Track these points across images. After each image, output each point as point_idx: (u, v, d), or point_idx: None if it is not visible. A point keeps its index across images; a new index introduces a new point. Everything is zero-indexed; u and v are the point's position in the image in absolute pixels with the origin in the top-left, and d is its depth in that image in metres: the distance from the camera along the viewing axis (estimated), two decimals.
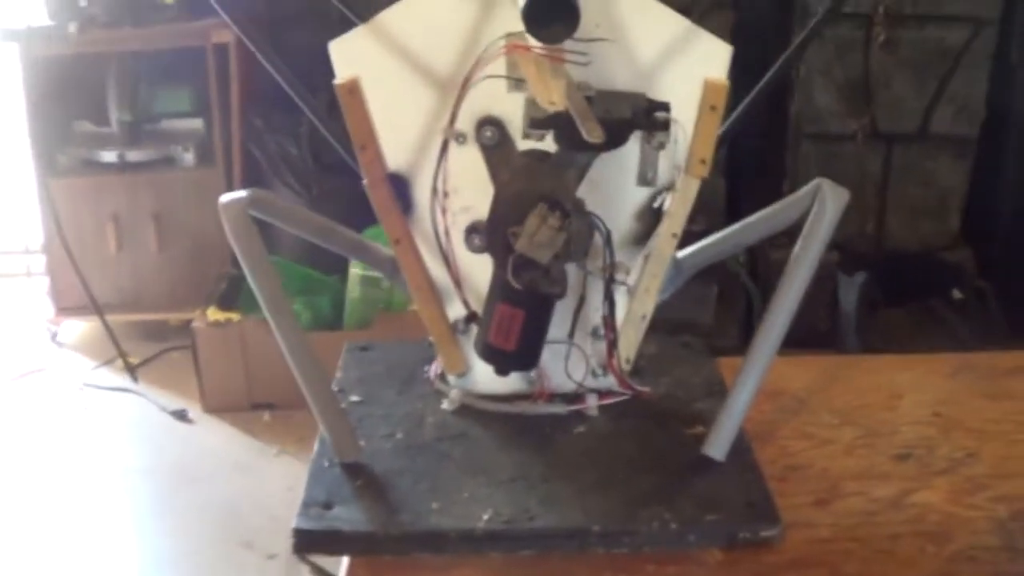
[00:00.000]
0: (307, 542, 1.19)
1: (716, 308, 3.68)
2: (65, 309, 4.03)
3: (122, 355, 3.47)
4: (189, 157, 3.97)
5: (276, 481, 3.32)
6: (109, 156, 3.92)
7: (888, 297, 3.61)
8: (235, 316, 3.62)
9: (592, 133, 1.10)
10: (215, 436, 3.59)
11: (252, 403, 3.67)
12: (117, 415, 3.66)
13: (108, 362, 3.94)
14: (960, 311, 3.53)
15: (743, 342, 3.71)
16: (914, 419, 1.43)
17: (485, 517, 1.19)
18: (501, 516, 1.20)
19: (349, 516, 1.20)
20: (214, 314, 3.64)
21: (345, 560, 1.19)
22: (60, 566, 2.95)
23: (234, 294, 3.73)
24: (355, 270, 3.65)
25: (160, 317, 4.09)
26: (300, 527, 1.19)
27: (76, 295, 3.92)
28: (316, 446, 1.32)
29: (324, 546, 1.19)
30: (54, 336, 4.09)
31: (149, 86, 4.01)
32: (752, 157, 3.98)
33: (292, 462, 3.40)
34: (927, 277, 3.65)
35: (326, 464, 1.29)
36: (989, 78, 3.79)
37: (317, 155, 3.89)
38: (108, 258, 3.97)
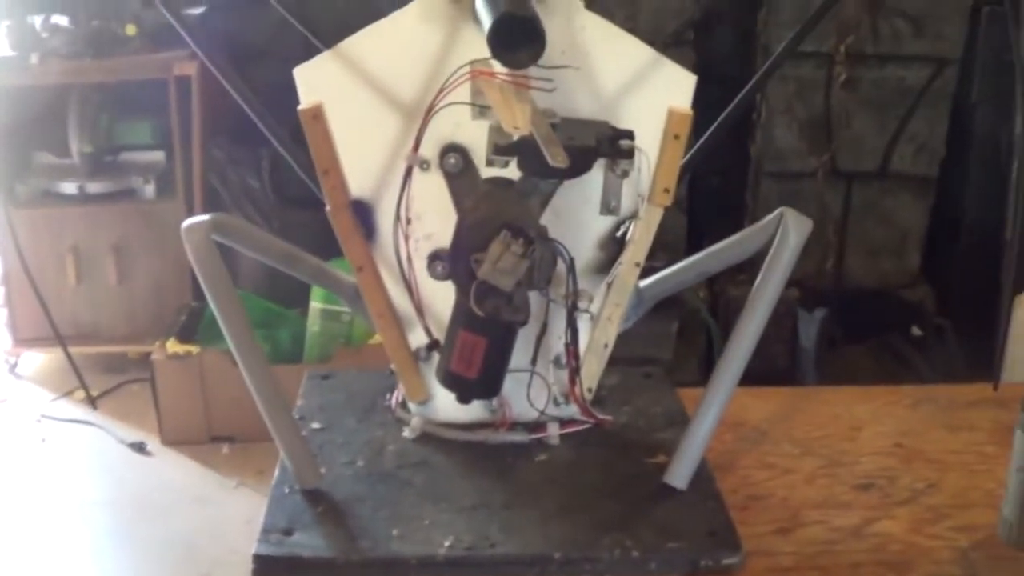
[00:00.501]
0: (267, 568, 1.18)
1: (676, 344, 3.69)
2: (24, 340, 3.98)
3: (83, 384, 3.44)
4: (150, 189, 3.94)
5: (235, 514, 3.28)
6: (69, 187, 3.89)
7: (848, 334, 3.62)
8: (194, 349, 3.59)
9: (556, 158, 1.10)
10: (174, 469, 3.55)
11: (211, 436, 3.64)
12: (75, 447, 3.61)
13: (67, 394, 3.89)
14: (919, 348, 3.55)
15: (703, 377, 3.69)
16: (875, 450, 1.43)
17: (446, 544, 1.19)
18: (462, 543, 1.19)
19: (310, 542, 1.20)
20: (173, 346, 3.61)
21: None
22: None
23: (194, 326, 3.71)
24: (316, 304, 3.63)
25: (119, 349, 4.05)
26: (260, 553, 1.19)
27: (35, 326, 3.88)
28: (276, 473, 1.31)
29: (284, 572, 1.19)
30: (12, 367, 4.05)
31: (110, 118, 3.98)
32: (713, 195, 3.99)
33: (251, 495, 3.37)
34: (886, 314, 3.66)
35: (286, 491, 1.29)
36: (949, 117, 3.82)
37: (279, 188, 3.87)
38: (67, 290, 3.93)
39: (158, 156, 4.02)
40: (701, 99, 1.31)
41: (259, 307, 3.76)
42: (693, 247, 3.94)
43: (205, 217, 1.22)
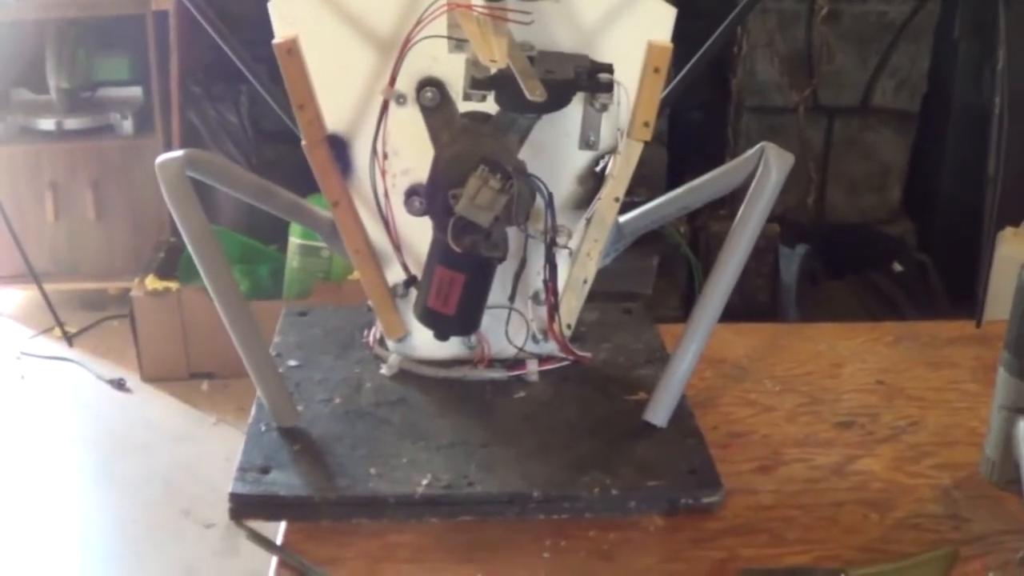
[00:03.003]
0: (244, 507, 1.17)
1: (657, 279, 3.68)
2: (1, 278, 3.96)
3: (58, 322, 3.41)
4: (128, 125, 3.91)
5: (214, 451, 3.28)
6: (47, 124, 3.86)
7: (829, 269, 3.62)
8: (173, 285, 3.57)
9: (534, 92, 1.08)
10: (153, 405, 3.54)
11: (191, 372, 3.63)
12: (55, 384, 3.60)
13: (45, 331, 3.88)
14: (900, 284, 3.55)
15: (684, 312, 3.71)
16: (856, 387, 1.43)
17: (424, 482, 1.18)
18: (440, 481, 1.18)
19: (286, 480, 1.18)
20: (152, 283, 3.59)
21: (282, 525, 1.17)
22: None
23: (173, 263, 3.69)
24: (295, 239, 3.61)
25: (98, 286, 4.04)
26: (237, 491, 1.18)
27: (12, 263, 3.85)
28: (253, 410, 1.30)
29: (261, 511, 1.17)
30: None
31: (88, 53, 3.93)
32: (694, 130, 3.97)
33: (230, 431, 3.37)
34: (867, 250, 3.66)
35: (263, 429, 1.27)
36: (931, 52, 3.80)
37: (257, 123, 3.84)
38: (46, 226, 3.91)
39: (136, 92, 3.99)
40: (681, 32, 1.29)
41: (238, 243, 3.74)
42: (674, 182, 3.92)
43: (179, 153, 1.19)
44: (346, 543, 1.14)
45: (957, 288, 3.62)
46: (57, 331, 3.84)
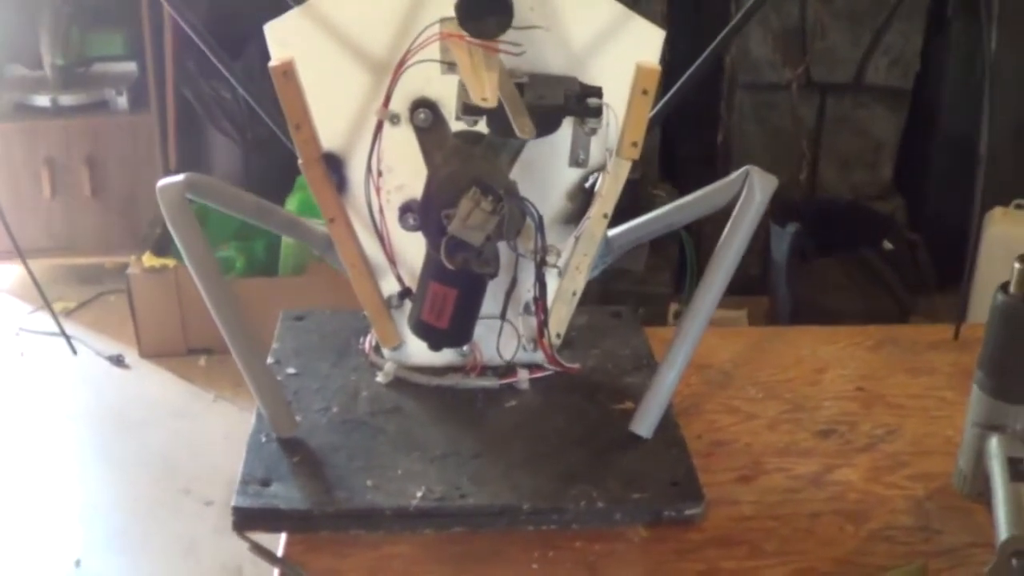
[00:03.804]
0: (246, 520, 1.21)
1: (649, 255, 3.71)
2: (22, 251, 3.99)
3: (47, 304, 3.40)
4: (122, 101, 3.94)
5: (213, 428, 3.33)
6: (42, 100, 3.89)
7: (819, 247, 3.65)
8: (170, 262, 3.61)
9: (523, 130, 1.12)
10: (152, 382, 3.59)
11: (188, 348, 3.68)
12: (54, 360, 3.65)
13: (44, 307, 3.91)
14: (890, 262, 3.59)
15: (675, 290, 3.76)
16: (837, 394, 1.47)
17: (418, 495, 1.22)
18: (433, 494, 1.23)
19: (286, 493, 1.23)
20: (149, 260, 3.63)
21: (283, 536, 1.21)
22: None
23: (169, 240, 3.69)
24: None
25: (95, 261, 4.08)
26: (239, 505, 1.22)
27: (9, 239, 3.88)
28: (253, 421, 1.34)
29: (262, 523, 1.21)
30: None
31: (82, 29, 3.96)
32: (687, 105, 3.99)
33: (228, 408, 3.42)
34: (858, 227, 3.70)
35: (263, 440, 1.31)
36: (924, 30, 3.83)
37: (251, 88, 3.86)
38: (42, 202, 3.94)
39: (130, 67, 4.02)
40: (672, 50, 1.32)
41: (233, 219, 3.76)
42: (666, 156, 3.97)
43: (179, 178, 1.23)
44: (344, 554, 1.18)
45: (946, 266, 3.66)
46: (57, 306, 3.88)
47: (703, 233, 3.89)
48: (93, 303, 4.00)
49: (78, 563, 2.77)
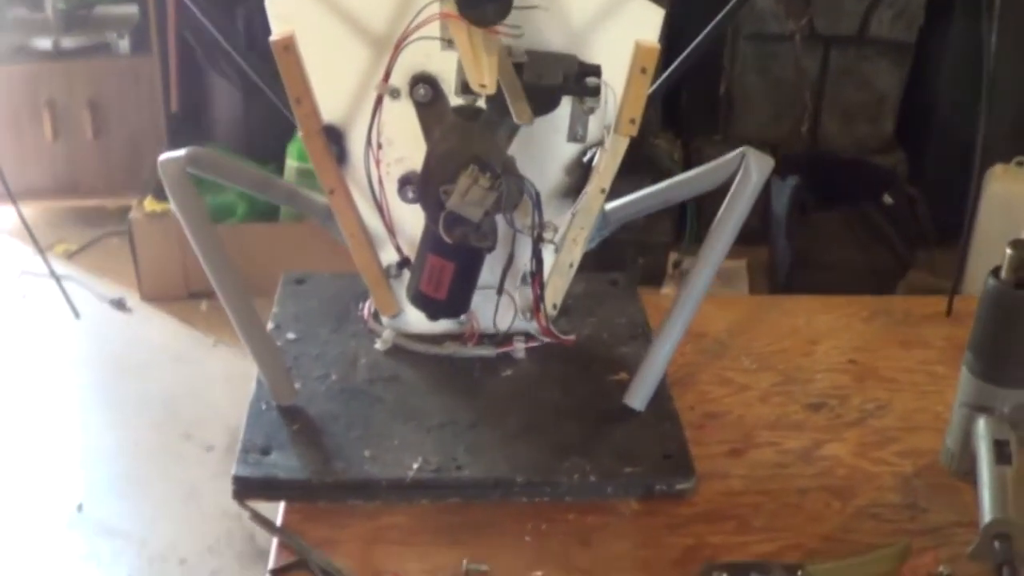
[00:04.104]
0: (246, 488, 1.24)
1: None
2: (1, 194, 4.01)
3: (40, 251, 3.39)
4: (124, 44, 3.93)
5: (214, 372, 3.36)
6: (44, 43, 3.88)
7: (819, 200, 3.66)
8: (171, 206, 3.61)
9: (521, 116, 1.13)
10: (153, 326, 3.61)
11: (190, 292, 3.70)
12: (56, 303, 3.66)
13: (47, 248, 3.93)
14: (890, 216, 3.59)
15: (675, 239, 3.78)
16: (829, 366, 1.49)
17: (415, 466, 1.25)
18: (430, 465, 1.25)
19: (286, 463, 1.25)
20: (151, 205, 3.64)
21: (282, 505, 1.24)
22: None
23: None
24: (291, 162, 3.65)
25: (97, 203, 4.09)
26: (239, 474, 1.24)
27: (13, 180, 3.89)
28: (254, 388, 1.36)
29: (262, 492, 1.24)
30: None
31: None
32: (688, 32, 3.98)
33: (229, 353, 3.44)
34: (859, 181, 3.70)
35: (263, 407, 1.34)
36: None
37: (253, 43, 3.85)
38: (44, 144, 3.94)
39: (132, 10, 4.01)
40: (671, 27, 1.33)
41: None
42: (668, 106, 3.96)
43: (180, 152, 1.24)
44: (342, 524, 1.21)
45: (946, 220, 3.67)
46: (58, 248, 3.90)
47: None
48: (95, 245, 4.02)
49: (80, 507, 2.80)
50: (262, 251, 3.46)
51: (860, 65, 3.90)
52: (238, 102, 3.92)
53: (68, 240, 3.97)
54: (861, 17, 3.84)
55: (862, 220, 3.61)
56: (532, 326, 1.44)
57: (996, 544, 1.10)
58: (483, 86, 1.10)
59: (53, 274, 3.33)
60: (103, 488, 2.91)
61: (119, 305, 3.67)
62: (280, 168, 3.71)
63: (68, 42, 3.89)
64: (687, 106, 4.02)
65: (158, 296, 3.71)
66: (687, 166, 3.89)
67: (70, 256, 3.94)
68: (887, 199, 3.64)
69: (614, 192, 1.37)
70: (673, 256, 3.86)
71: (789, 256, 3.58)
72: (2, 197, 3.82)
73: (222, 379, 3.30)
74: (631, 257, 3.65)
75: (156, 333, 3.58)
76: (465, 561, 1.15)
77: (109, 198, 4.07)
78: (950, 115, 3.82)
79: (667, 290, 3.80)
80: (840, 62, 3.90)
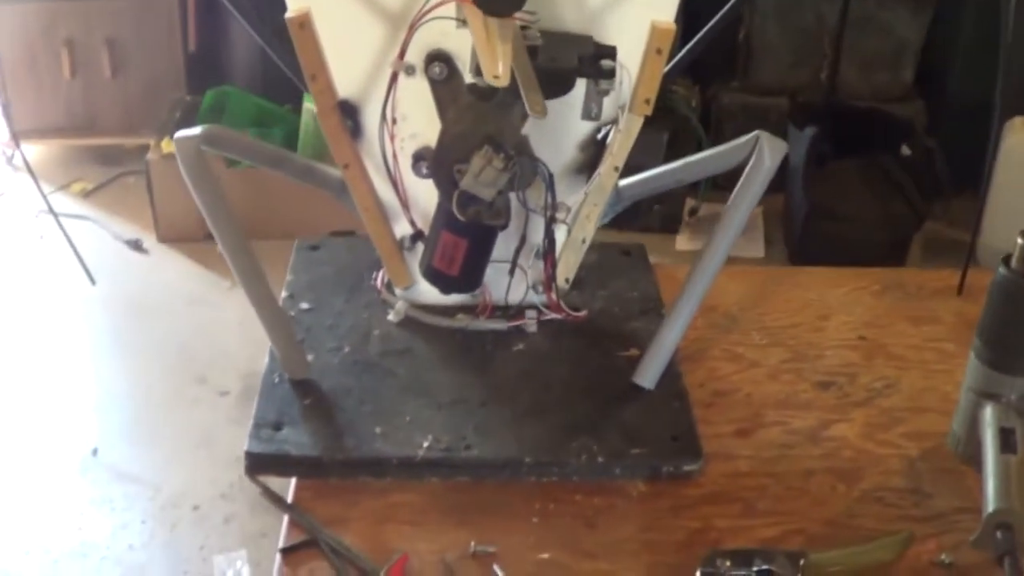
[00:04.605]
0: (257, 464, 1.26)
1: (667, 152, 3.71)
2: (20, 132, 4.01)
3: (43, 195, 3.39)
4: None
5: (229, 316, 3.37)
6: None
7: (837, 150, 3.64)
8: None
9: (535, 108, 1.13)
10: (169, 267, 3.63)
11: (205, 234, 3.68)
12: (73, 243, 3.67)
13: (63, 187, 3.95)
14: (907, 168, 3.58)
15: (692, 186, 3.76)
16: (839, 341, 1.49)
17: (425, 444, 1.26)
18: (440, 444, 1.26)
19: (297, 439, 1.27)
20: (168, 146, 3.64)
21: (293, 481, 1.25)
22: (13, 399, 3.02)
23: (188, 125, 3.71)
24: (308, 105, 3.64)
25: (115, 142, 4.09)
26: (251, 450, 1.26)
27: (29, 118, 3.91)
28: (267, 361, 1.37)
29: (273, 468, 1.26)
30: (10, 159, 4.08)
31: None
32: (706, 8, 3.96)
33: (243, 297, 3.43)
34: (876, 132, 3.68)
35: (276, 380, 1.35)
36: None
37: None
38: (61, 83, 3.95)
39: None
40: (688, 6, 1.32)
41: (253, 104, 3.79)
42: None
43: (196, 130, 1.25)
44: (352, 502, 1.22)
45: (964, 170, 3.65)
46: (75, 187, 3.92)
47: (720, 130, 3.90)
48: (112, 184, 4.03)
49: (95, 452, 2.83)
50: (277, 192, 3.47)
51: (880, 13, 3.87)
52: (256, 42, 3.90)
53: (85, 179, 3.99)
54: None
55: (879, 171, 3.59)
56: (544, 300, 1.45)
57: (998, 534, 1.11)
58: (496, 77, 1.10)
59: (66, 235, 3.33)
60: (117, 433, 2.93)
61: (135, 246, 3.69)
62: (298, 109, 3.71)
63: None
64: (705, 52, 3.99)
65: (174, 237, 3.72)
66: (705, 113, 3.89)
67: (87, 195, 3.95)
68: (904, 150, 3.62)
69: None
70: (689, 203, 3.86)
71: (805, 206, 3.57)
72: (22, 134, 3.86)
73: (237, 323, 3.31)
74: (647, 205, 3.65)
75: (172, 275, 3.59)
76: (473, 543, 1.16)
77: (126, 137, 4.07)
78: (970, 65, 3.78)
79: (682, 237, 3.81)
80: (860, 9, 3.87)
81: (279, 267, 1.53)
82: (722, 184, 3.77)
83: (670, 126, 3.67)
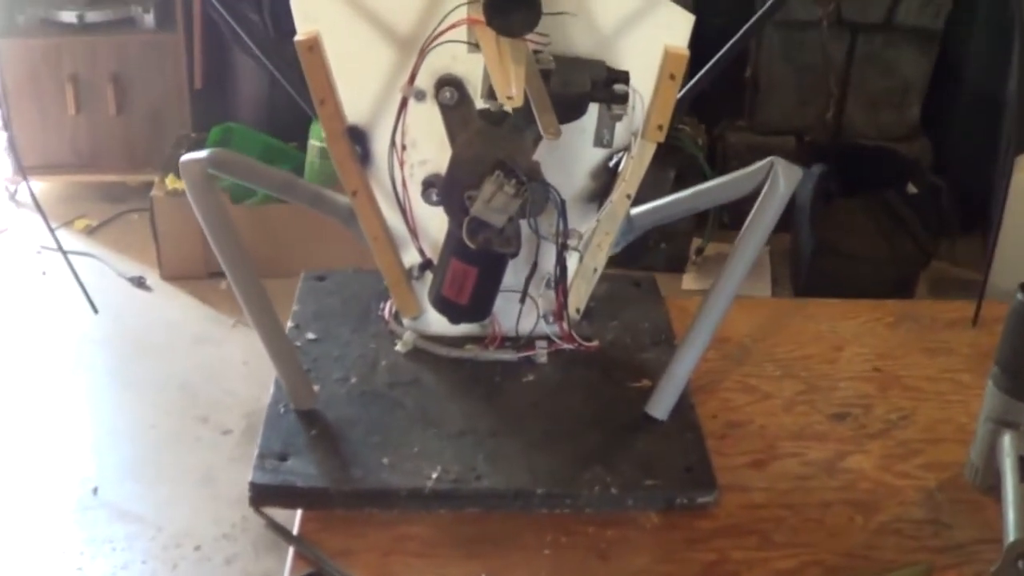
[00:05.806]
0: (263, 495, 1.23)
1: (673, 190, 3.69)
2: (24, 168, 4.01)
3: (50, 230, 3.38)
4: (149, 19, 3.91)
5: (232, 354, 3.34)
6: (69, 16, 3.87)
7: (843, 188, 3.63)
8: None
9: (548, 129, 1.11)
10: (172, 305, 3.60)
11: (209, 271, 3.68)
12: (75, 282, 3.65)
13: (67, 223, 3.93)
14: (914, 205, 3.57)
15: (697, 226, 3.75)
16: (853, 373, 1.47)
17: (434, 475, 1.24)
18: (449, 475, 1.24)
19: (303, 470, 1.24)
20: (172, 183, 3.63)
21: (298, 513, 1.23)
22: (14, 436, 2.99)
23: None
24: (314, 142, 3.63)
25: (119, 178, 4.08)
26: (256, 481, 1.23)
27: (34, 154, 3.90)
28: (272, 390, 1.35)
29: (279, 499, 1.23)
30: (13, 195, 4.07)
31: None
32: (716, 38, 3.95)
33: (248, 334, 3.38)
34: (883, 170, 3.67)
35: (281, 411, 1.33)
36: None
37: (278, 22, 3.84)
38: (67, 119, 3.94)
39: None
40: (700, 32, 1.31)
41: (258, 141, 3.78)
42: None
43: (203, 153, 1.23)
44: (359, 534, 1.20)
45: (970, 209, 3.65)
46: (79, 224, 3.90)
47: (727, 168, 3.88)
48: (115, 221, 4.01)
49: (95, 491, 2.80)
50: (283, 231, 3.46)
51: (886, 52, 3.86)
52: (262, 80, 3.90)
53: (88, 215, 3.97)
54: (888, 4, 3.80)
55: (885, 209, 3.58)
56: (554, 330, 1.43)
57: (1020, 564, 1.09)
58: (510, 98, 1.09)
59: (70, 266, 3.30)
60: (119, 472, 2.89)
61: (139, 283, 3.67)
62: (303, 146, 3.70)
63: (93, 16, 3.88)
64: (712, 90, 3.99)
65: (178, 275, 3.70)
66: (711, 151, 3.88)
67: (90, 232, 3.93)
68: (911, 188, 3.61)
69: None
70: (696, 243, 3.84)
71: (812, 244, 3.56)
72: (25, 170, 3.85)
73: (240, 361, 3.29)
74: (653, 243, 3.64)
75: (175, 312, 3.57)
76: None
77: (130, 174, 4.06)
78: (976, 104, 3.78)
79: (689, 276, 3.79)
80: (866, 49, 3.87)
81: (285, 304, 1.51)
82: (729, 224, 3.79)
83: (677, 164, 3.67)
